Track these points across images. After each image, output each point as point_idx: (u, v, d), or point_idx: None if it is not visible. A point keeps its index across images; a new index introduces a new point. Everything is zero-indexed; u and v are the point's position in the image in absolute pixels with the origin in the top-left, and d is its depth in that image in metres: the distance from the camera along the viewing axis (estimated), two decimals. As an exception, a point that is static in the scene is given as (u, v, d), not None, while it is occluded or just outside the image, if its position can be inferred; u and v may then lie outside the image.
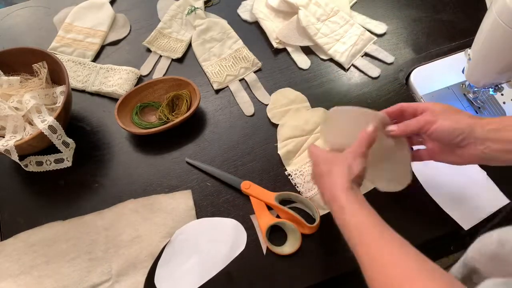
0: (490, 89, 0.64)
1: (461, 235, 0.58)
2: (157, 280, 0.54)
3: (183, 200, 0.60)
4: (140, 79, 0.72)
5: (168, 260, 0.55)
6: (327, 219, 0.58)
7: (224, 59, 0.73)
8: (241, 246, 0.56)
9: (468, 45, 0.58)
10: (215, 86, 0.70)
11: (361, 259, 0.40)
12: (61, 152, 0.61)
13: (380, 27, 0.76)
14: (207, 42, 0.75)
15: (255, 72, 0.72)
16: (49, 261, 0.56)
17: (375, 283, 0.38)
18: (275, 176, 0.62)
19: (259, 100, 0.69)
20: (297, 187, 0.60)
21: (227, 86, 0.71)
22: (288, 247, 0.56)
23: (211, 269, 0.55)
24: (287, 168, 0.62)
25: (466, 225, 0.57)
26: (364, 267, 0.39)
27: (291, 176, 0.61)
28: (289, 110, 0.67)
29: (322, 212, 0.58)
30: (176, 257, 0.56)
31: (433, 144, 0.50)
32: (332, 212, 0.45)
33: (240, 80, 0.71)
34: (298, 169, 0.61)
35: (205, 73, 0.72)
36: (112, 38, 0.77)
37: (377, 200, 0.59)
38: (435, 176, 0.60)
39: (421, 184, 0.60)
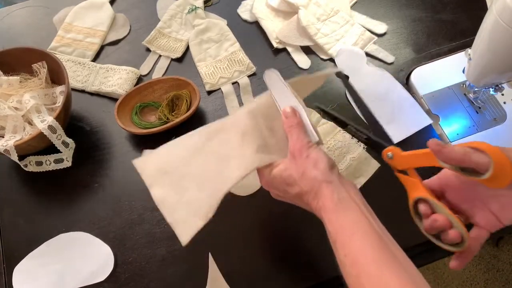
0: (491, 89, 0.64)
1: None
2: (15, 274, 0.56)
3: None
4: (139, 79, 0.72)
5: (33, 257, 0.57)
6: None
7: (219, 61, 0.73)
8: (102, 276, 0.56)
9: (469, 45, 0.58)
10: (207, 88, 0.70)
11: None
12: (61, 152, 0.61)
13: (380, 27, 0.76)
14: (204, 42, 0.75)
15: (251, 75, 0.72)
16: None
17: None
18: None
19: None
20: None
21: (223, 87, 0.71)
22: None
23: (67, 284, 0.55)
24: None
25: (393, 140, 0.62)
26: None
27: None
28: None
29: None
30: (41, 259, 0.57)
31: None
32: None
33: (234, 83, 0.71)
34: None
35: (198, 74, 0.72)
36: (111, 38, 0.77)
37: (377, 199, 0.59)
38: (367, 101, 0.64)
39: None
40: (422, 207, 0.41)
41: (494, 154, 0.36)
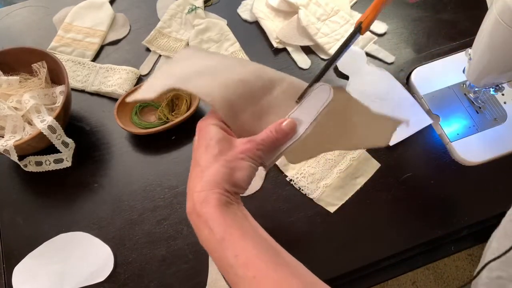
0: (491, 89, 0.63)
1: (461, 236, 0.58)
2: (15, 274, 0.56)
3: None
4: (139, 78, 0.72)
5: (33, 257, 0.57)
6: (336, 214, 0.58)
7: (219, 60, 0.73)
8: (102, 276, 0.55)
9: (469, 44, 0.58)
10: None
11: None
12: (61, 152, 0.61)
13: (380, 26, 0.75)
14: (204, 42, 0.75)
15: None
16: None
17: None
18: (276, 176, 0.61)
19: None
20: (302, 190, 0.60)
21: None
22: None
23: (67, 284, 0.55)
24: (286, 173, 0.61)
25: (391, 141, 0.60)
26: None
27: (293, 181, 0.61)
28: None
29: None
30: (41, 259, 0.57)
31: None
32: (197, 231, 0.36)
33: None
34: (299, 172, 0.61)
35: None
36: (111, 37, 0.77)
37: (377, 199, 0.59)
38: (367, 101, 0.64)
39: (422, 185, 0.60)
40: None
41: None
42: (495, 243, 0.50)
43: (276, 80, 0.41)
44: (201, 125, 0.39)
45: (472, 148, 0.62)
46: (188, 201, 0.36)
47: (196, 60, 0.44)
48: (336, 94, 0.40)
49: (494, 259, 0.46)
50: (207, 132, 0.38)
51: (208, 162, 0.36)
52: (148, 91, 0.40)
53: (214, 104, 0.38)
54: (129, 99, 0.41)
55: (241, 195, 0.55)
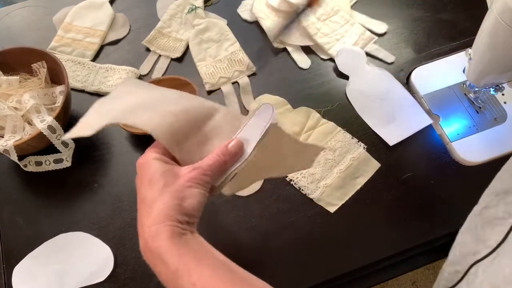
0: (491, 89, 0.64)
1: (461, 236, 0.58)
2: (15, 274, 0.56)
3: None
4: (139, 78, 0.72)
5: (32, 257, 0.57)
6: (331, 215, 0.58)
7: (219, 60, 0.73)
8: (102, 277, 0.55)
9: (469, 44, 0.58)
10: (207, 87, 0.70)
11: None
12: (61, 152, 0.61)
13: (380, 26, 0.75)
14: (204, 42, 0.75)
15: (251, 75, 0.72)
16: None
17: None
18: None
19: (244, 106, 0.69)
20: (302, 190, 0.60)
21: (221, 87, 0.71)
22: None
23: (67, 284, 0.55)
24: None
25: (391, 141, 0.63)
26: None
27: (293, 181, 0.61)
28: None
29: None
30: (40, 259, 0.57)
31: None
32: (153, 268, 0.34)
33: (233, 83, 0.71)
34: (299, 172, 0.61)
35: (198, 73, 0.72)
36: (111, 37, 0.77)
37: (377, 199, 0.59)
38: (367, 101, 0.67)
39: (422, 185, 0.60)
40: None
41: None
42: (460, 237, 0.49)
43: (217, 106, 0.42)
44: (140, 161, 0.38)
45: (472, 148, 0.62)
46: (140, 239, 0.35)
47: (136, 94, 0.45)
48: (272, 131, 0.41)
49: (481, 259, 0.45)
50: (149, 167, 0.37)
51: (154, 196, 0.35)
52: (84, 128, 0.39)
53: (156, 133, 0.37)
54: (66, 136, 0.40)
55: (241, 195, 0.56)
